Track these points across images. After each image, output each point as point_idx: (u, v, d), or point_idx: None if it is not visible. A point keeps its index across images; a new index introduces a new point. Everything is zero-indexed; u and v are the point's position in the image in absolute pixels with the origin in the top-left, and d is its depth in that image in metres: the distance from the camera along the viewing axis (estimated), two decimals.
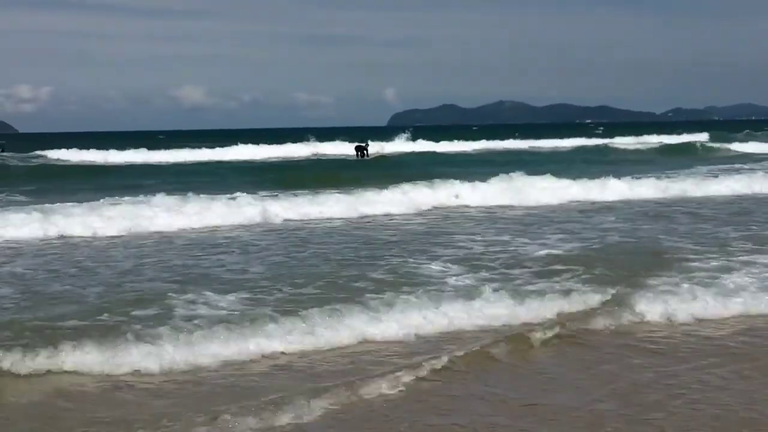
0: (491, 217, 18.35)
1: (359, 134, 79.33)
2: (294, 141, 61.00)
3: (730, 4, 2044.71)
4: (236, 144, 56.65)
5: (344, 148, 53.93)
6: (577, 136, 73.11)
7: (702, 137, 68.10)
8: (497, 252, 12.92)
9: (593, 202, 20.93)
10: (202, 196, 19.05)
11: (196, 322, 8.41)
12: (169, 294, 9.76)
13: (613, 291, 9.60)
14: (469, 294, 9.60)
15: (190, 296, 9.63)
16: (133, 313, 8.84)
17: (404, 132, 67.87)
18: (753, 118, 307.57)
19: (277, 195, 21.13)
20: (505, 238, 14.57)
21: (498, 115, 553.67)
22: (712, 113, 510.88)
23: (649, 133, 78.89)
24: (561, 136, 73.13)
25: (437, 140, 62.91)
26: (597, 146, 59.36)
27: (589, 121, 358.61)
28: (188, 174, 35.21)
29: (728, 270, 10.99)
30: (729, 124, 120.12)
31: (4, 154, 57.58)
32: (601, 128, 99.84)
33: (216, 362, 7.51)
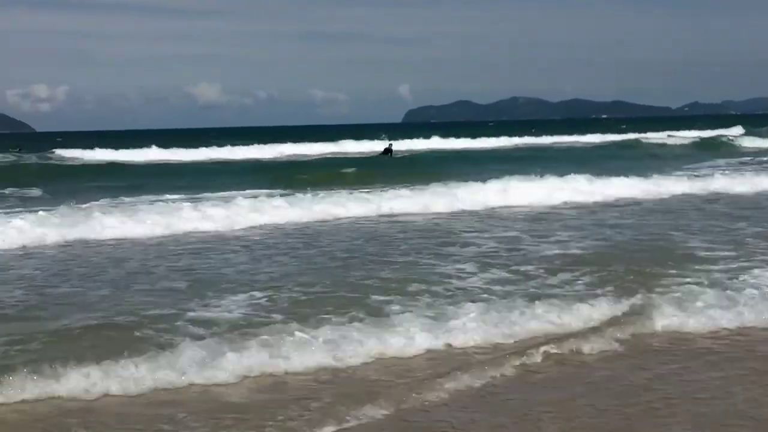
0: (527, 216, 17.62)
1: (375, 131, 79.52)
2: (314, 140, 60.32)
3: None
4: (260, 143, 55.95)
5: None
6: (604, 132, 71.60)
7: (735, 131, 66.79)
8: (538, 253, 12.36)
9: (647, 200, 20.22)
10: (230, 194, 18.42)
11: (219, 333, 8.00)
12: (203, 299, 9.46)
13: (639, 296, 9.12)
14: (502, 300, 9.10)
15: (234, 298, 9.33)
16: (146, 316, 8.54)
17: (434, 132, 67.49)
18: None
19: (306, 193, 20.44)
20: (558, 239, 13.94)
21: (512, 111, 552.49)
22: (729, 107, 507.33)
23: (670, 128, 77.74)
24: (581, 132, 71.99)
25: (458, 136, 62.18)
26: (626, 141, 57.88)
27: (604, 116, 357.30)
28: (225, 173, 34.71)
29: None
30: (747, 118, 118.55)
31: (21, 153, 57.99)
32: (624, 125, 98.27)
33: (234, 375, 7.02)
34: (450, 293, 9.53)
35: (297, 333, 7.67)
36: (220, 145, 56.72)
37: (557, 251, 12.31)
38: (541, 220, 16.68)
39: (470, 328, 8.06)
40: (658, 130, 72.08)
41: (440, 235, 14.62)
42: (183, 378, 6.88)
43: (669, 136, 61.99)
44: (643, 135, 63.88)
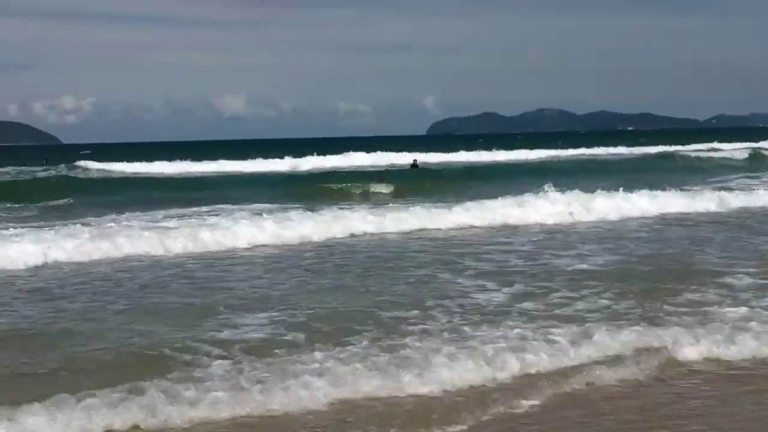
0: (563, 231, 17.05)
1: (399, 144, 79.95)
2: (339, 152, 59.61)
3: None
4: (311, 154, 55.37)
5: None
6: (633, 145, 70.22)
7: None
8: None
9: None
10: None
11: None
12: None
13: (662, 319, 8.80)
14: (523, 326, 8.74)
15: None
16: (167, 339, 8.33)
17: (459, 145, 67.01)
18: None
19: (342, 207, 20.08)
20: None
21: (538, 123, 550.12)
22: (757, 120, 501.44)
23: (699, 140, 76.43)
24: (612, 144, 70.94)
25: (485, 149, 61.33)
26: (664, 153, 56.67)
27: (630, 128, 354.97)
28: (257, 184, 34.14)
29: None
30: None
31: (47, 166, 58.53)
32: (644, 138, 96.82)
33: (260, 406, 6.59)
34: (473, 315, 9.26)
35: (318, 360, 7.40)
36: (246, 157, 56.20)
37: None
38: (583, 234, 16.17)
39: (492, 356, 7.59)
40: (687, 143, 70.86)
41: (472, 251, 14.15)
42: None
43: (712, 149, 60.61)
44: (687, 147, 62.83)
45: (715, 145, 67.13)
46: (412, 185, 31.33)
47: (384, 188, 30.17)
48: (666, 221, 18.26)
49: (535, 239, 15.71)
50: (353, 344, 7.96)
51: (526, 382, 7.12)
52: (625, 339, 8.07)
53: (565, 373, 7.31)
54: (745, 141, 71.51)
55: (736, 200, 21.01)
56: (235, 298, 10.41)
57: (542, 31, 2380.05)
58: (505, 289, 10.59)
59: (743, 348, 7.97)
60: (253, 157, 55.94)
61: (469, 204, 19.07)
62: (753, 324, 8.55)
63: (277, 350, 7.79)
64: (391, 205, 20.79)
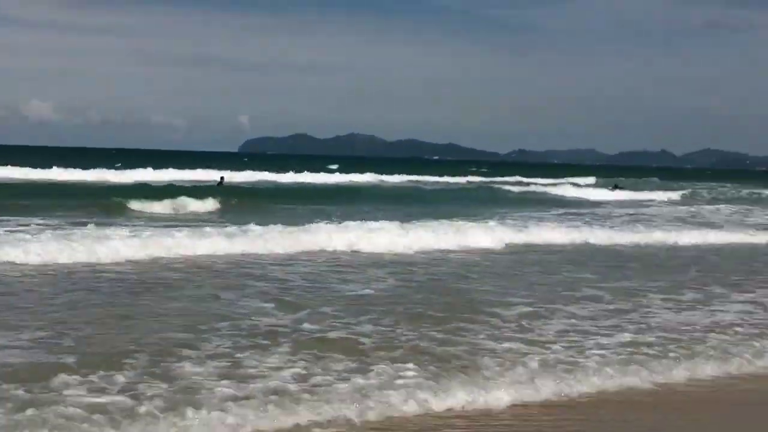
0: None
1: (211, 159, 78.64)
2: (146, 165, 57.40)
3: (579, 47, 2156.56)
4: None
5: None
6: (442, 174, 72.69)
7: (587, 180, 70.50)
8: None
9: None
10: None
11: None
12: None
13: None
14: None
15: None
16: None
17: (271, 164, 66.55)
18: (587, 163, 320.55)
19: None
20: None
21: (350, 148, 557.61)
22: (553, 156, 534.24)
23: (502, 173, 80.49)
24: (419, 173, 73.02)
25: (295, 170, 61.28)
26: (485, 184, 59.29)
27: (436, 157, 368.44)
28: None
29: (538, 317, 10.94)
30: (570, 168, 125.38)
31: None
32: (485, 168, 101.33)
33: None
34: (248, 339, 9.16)
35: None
36: (47, 165, 52.52)
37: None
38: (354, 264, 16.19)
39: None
40: (494, 175, 74.51)
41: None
42: None
43: (517, 182, 63.74)
44: (493, 179, 65.99)
45: (521, 179, 70.89)
46: (217, 203, 30.63)
47: (187, 205, 29.29)
48: (452, 252, 18.40)
49: (322, 261, 15.95)
50: (123, 372, 7.61)
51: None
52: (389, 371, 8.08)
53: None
54: (547, 177, 76.07)
55: (531, 234, 21.63)
56: None
57: (357, 55, 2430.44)
58: (285, 315, 10.51)
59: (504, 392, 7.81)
60: (54, 165, 52.45)
61: (265, 228, 18.65)
62: (526, 358, 8.83)
63: (39, 378, 7.30)
64: (188, 225, 20.14)
